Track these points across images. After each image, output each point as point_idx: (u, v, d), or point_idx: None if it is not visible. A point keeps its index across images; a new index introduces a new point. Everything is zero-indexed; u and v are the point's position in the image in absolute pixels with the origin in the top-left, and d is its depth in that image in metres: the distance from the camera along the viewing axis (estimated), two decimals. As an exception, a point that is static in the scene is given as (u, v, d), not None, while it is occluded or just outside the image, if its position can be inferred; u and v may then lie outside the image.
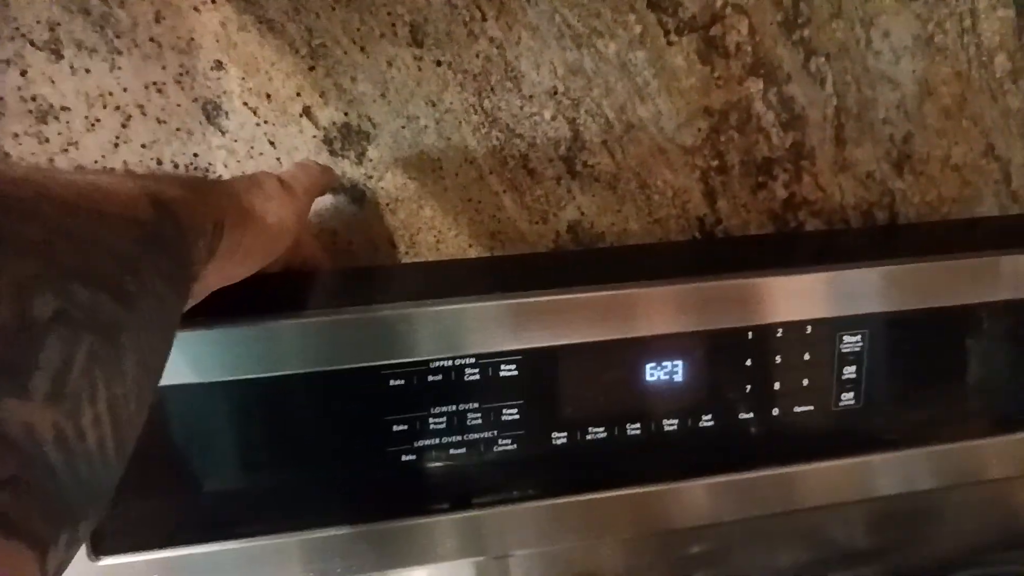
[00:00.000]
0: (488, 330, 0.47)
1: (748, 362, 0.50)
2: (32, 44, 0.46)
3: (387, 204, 0.54)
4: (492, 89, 0.52)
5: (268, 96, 0.49)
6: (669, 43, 0.53)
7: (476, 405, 0.48)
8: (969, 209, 0.63)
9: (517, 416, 0.49)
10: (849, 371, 0.52)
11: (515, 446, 0.49)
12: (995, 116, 0.61)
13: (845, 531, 0.64)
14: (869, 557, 0.64)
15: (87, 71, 0.47)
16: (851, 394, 0.53)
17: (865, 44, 0.56)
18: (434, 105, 0.51)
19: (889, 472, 0.55)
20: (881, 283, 0.51)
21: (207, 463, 0.48)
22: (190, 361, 0.44)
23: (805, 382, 0.52)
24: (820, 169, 0.59)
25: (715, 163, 0.57)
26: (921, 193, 0.62)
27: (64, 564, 0.25)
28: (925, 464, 0.55)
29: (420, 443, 0.48)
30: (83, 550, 0.47)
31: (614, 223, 0.58)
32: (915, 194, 0.62)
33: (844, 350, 0.52)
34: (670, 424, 0.51)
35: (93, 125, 0.49)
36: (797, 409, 0.52)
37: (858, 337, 0.52)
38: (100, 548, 0.47)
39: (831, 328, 0.51)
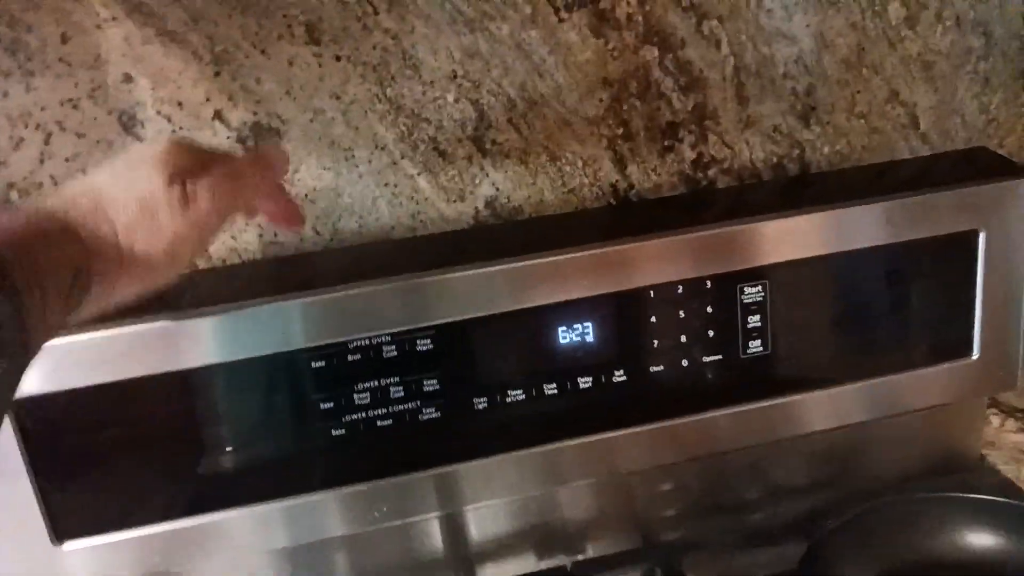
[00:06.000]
0: (404, 308, 0.53)
1: (653, 319, 0.56)
2: (-50, 72, 0.52)
3: (306, 195, 0.60)
4: (393, 78, 0.57)
5: (180, 104, 0.55)
6: (560, 20, 0.58)
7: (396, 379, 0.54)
8: (880, 155, 0.69)
9: (437, 387, 0.55)
10: (753, 320, 0.58)
11: (438, 414, 0.55)
12: (895, 63, 0.66)
13: (780, 468, 0.70)
14: (799, 493, 0.70)
15: (5, 94, 0.53)
16: (758, 342, 0.59)
17: (756, 3, 0.62)
18: (338, 98, 0.57)
19: (804, 411, 0.62)
20: (778, 234, 0.57)
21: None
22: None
23: (711, 333, 0.58)
24: (725, 128, 0.65)
25: (620, 131, 0.63)
26: (830, 143, 0.68)
27: None
28: (835, 401, 0.62)
29: (348, 418, 0.54)
30: (45, 535, 0.53)
31: (530, 196, 0.63)
32: (824, 144, 0.68)
33: (746, 301, 0.58)
34: (584, 382, 0.57)
35: (18, 144, 0.55)
36: (706, 359, 0.58)
37: (759, 288, 0.58)
38: (62, 533, 0.54)
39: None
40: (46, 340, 0.33)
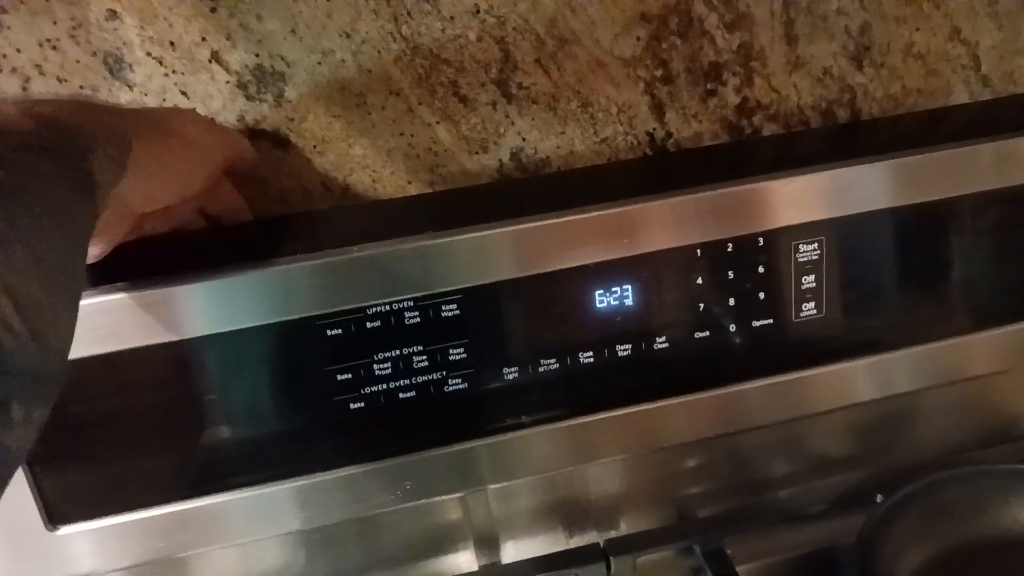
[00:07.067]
0: (427, 270, 0.48)
1: (698, 280, 0.52)
2: (-88, 9, 0.46)
3: (314, 146, 0.54)
4: (409, 13, 0.52)
5: (172, 44, 0.50)
6: (595, -53, 0.53)
7: (420, 348, 0.49)
8: (937, 99, 0.64)
9: (464, 355, 0.50)
10: (808, 281, 0.54)
11: (465, 385, 0.51)
12: (958, -4, 0.61)
13: (826, 439, 0.66)
14: (851, 462, 0.66)
15: (-25, 34, 0.47)
16: (812, 304, 0.54)
17: (810, -70, 0.56)
18: (349, 36, 0.52)
19: (859, 379, 0.57)
20: (835, 186, 0.52)
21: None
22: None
23: (762, 295, 0.53)
24: (772, 70, 0.59)
25: (659, 73, 0.57)
26: (884, 87, 0.62)
27: (10, 450, 0.29)
28: (893, 368, 0.57)
29: (367, 389, 0.50)
30: (39, 521, 0.49)
31: (559, 146, 0.58)
32: (877, 88, 0.62)
33: (801, 259, 0.53)
34: (623, 349, 0.52)
35: (-8, 90, 0.49)
36: (756, 324, 0.54)
37: (815, 245, 0.53)
38: (56, 517, 0.49)
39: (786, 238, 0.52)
40: (98, 189, 0.36)
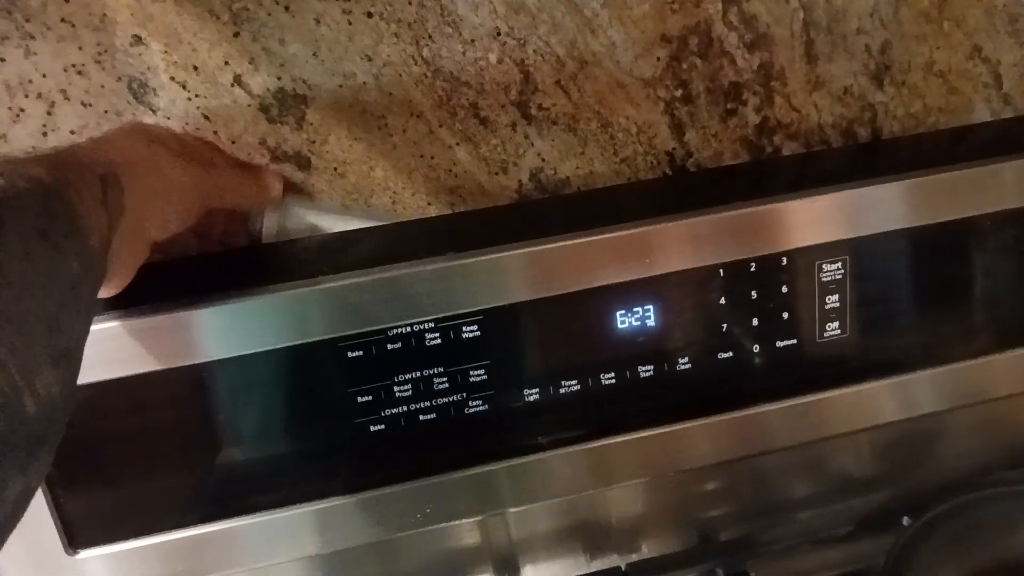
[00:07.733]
0: (448, 292, 0.48)
1: (722, 300, 0.51)
2: (-58, 35, 0.47)
3: (335, 168, 0.54)
4: (430, 36, 0.52)
5: (195, 68, 0.50)
6: (615, -31, 0.53)
7: (441, 370, 0.49)
8: (958, 118, 0.63)
9: (485, 377, 0.50)
10: (832, 300, 0.53)
11: (486, 407, 0.51)
12: (979, 15, 0.61)
13: (850, 460, 0.66)
14: (876, 484, 0.65)
15: (2, 60, 0.48)
16: (836, 324, 0.54)
17: (829, -50, 0.56)
18: (370, 59, 0.52)
19: (884, 400, 0.57)
20: (859, 205, 0.52)
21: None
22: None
23: (785, 315, 0.53)
24: (792, 89, 0.59)
25: (679, 93, 0.57)
26: (904, 105, 0.62)
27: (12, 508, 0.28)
28: (917, 389, 0.57)
29: (388, 412, 0.49)
30: (60, 545, 0.49)
31: (578, 166, 0.58)
32: (898, 106, 0.62)
33: (824, 279, 0.53)
34: (645, 371, 0.52)
35: (18, 115, 0.50)
36: (780, 344, 0.53)
37: (838, 265, 0.52)
38: (76, 541, 0.49)
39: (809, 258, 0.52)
40: (90, 234, 0.35)
